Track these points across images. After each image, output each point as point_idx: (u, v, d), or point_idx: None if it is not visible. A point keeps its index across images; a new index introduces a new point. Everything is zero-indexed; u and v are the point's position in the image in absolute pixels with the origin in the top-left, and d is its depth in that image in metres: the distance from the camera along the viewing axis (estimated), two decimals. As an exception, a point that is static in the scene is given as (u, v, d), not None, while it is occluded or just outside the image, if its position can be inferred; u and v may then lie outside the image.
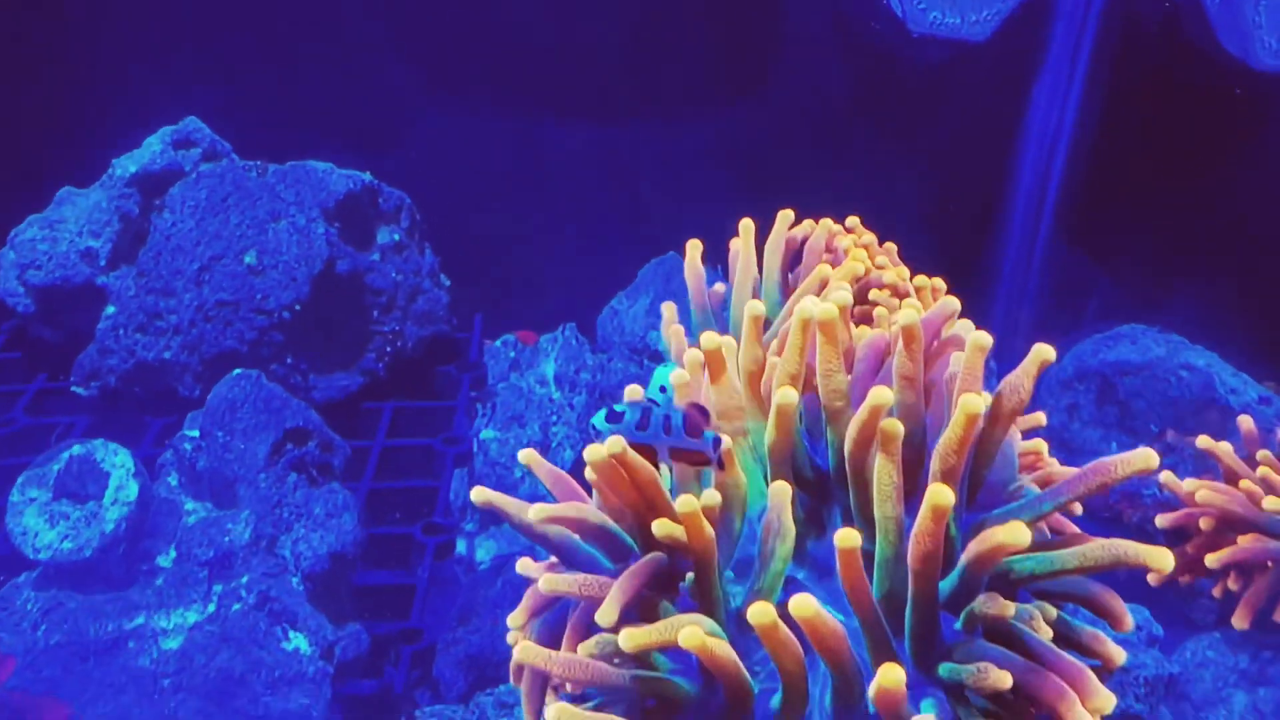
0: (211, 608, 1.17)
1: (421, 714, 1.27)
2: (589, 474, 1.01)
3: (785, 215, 1.61)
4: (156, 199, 1.96)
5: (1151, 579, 1.60)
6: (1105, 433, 2.01)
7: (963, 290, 2.19)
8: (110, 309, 1.85)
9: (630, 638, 0.88)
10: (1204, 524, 1.49)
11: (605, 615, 0.93)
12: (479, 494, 1.05)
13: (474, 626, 1.41)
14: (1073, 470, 1.15)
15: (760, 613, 0.85)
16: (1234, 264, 2.11)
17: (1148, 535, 1.68)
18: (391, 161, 2.23)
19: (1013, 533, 0.89)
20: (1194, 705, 1.42)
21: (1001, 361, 2.13)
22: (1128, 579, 1.70)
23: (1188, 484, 1.55)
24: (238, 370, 1.41)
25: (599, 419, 0.98)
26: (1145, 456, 0.96)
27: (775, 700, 0.95)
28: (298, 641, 1.17)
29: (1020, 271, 2.27)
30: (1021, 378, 1.04)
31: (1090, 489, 1.00)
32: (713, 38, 2.28)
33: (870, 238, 1.66)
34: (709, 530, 0.96)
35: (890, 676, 0.83)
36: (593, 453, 1.00)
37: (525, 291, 2.43)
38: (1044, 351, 1.07)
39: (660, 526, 0.96)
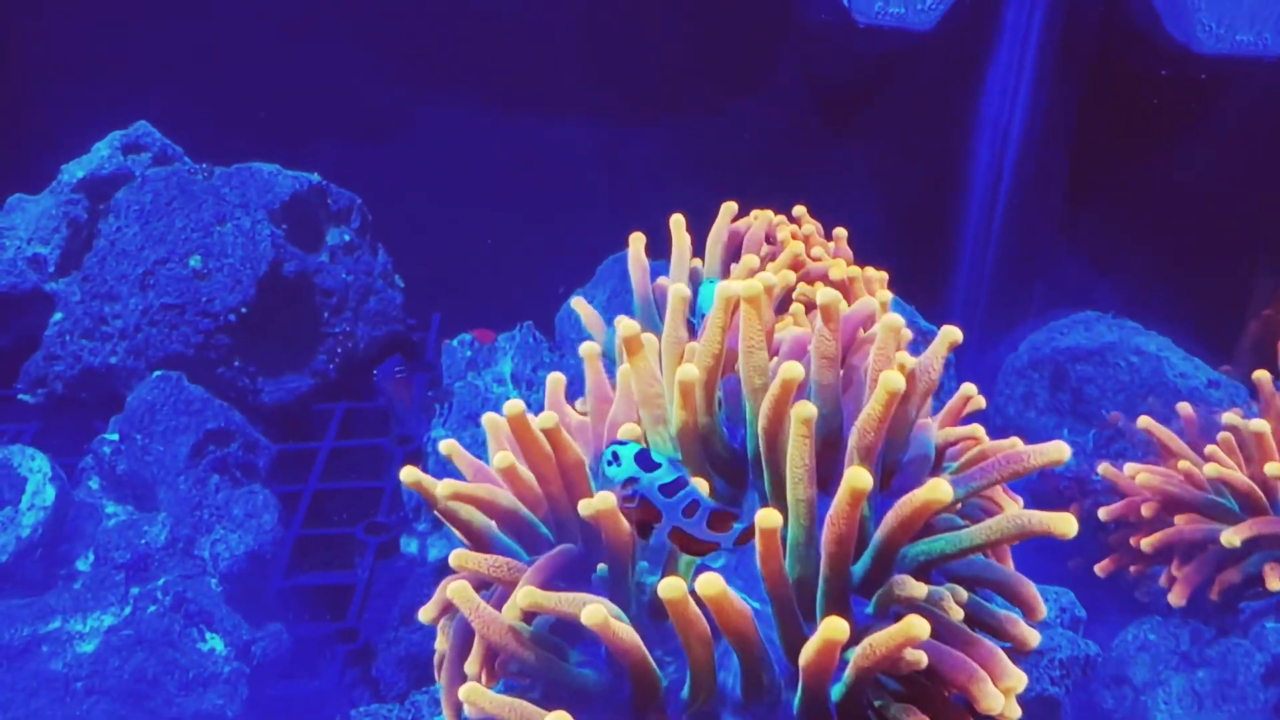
0: (128, 610, 1.17)
1: (357, 713, 1.26)
2: (498, 460, 1.01)
3: (728, 207, 1.61)
4: (104, 204, 1.95)
5: (1100, 569, 1.61)
6: (1059, 419, 2.01)
7: (917, 279, 2.20)
8: (57, 315, 1.85)
9: (529, 595, 0.88)
10: (1146, 510, 1.49)
11: (511, 610, 0.93)
12: (408, 474, 1.05)
13: (415, 626, 1.40)
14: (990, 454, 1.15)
15: (670, 587, 0.85)
16: (1186, 246, 2.11)
17: (1098, 522, 1.68)
18: (347, 163, 2.23)
19: (934, 490, 0.88)
20: (1134, 688, 1.42)
21: (959, 353, 2.14)
22: (1082, 571, 1.70)
23: (1128, 469, 1.55)
24: (157, 373, 1.41)
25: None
26: (1057, 448, 0.97)
27: (685, 691, 0.95)
28: (213, 642, 1.17)
29: (976, 260, 2.27)
30: (931, 359, 1.05)
31: (1003, 476, 1.01)
32: (667, 34, 2.28)
33: (812, 228, 1.67)
34: (626, 526, 0.96)
35: (833, 626, 0.81)
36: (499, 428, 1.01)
37: (484, 290, 2.43)
38: (951, 334, 1.07)
39: (586, 506, 0.96)
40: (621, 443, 0.93)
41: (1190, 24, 1.82)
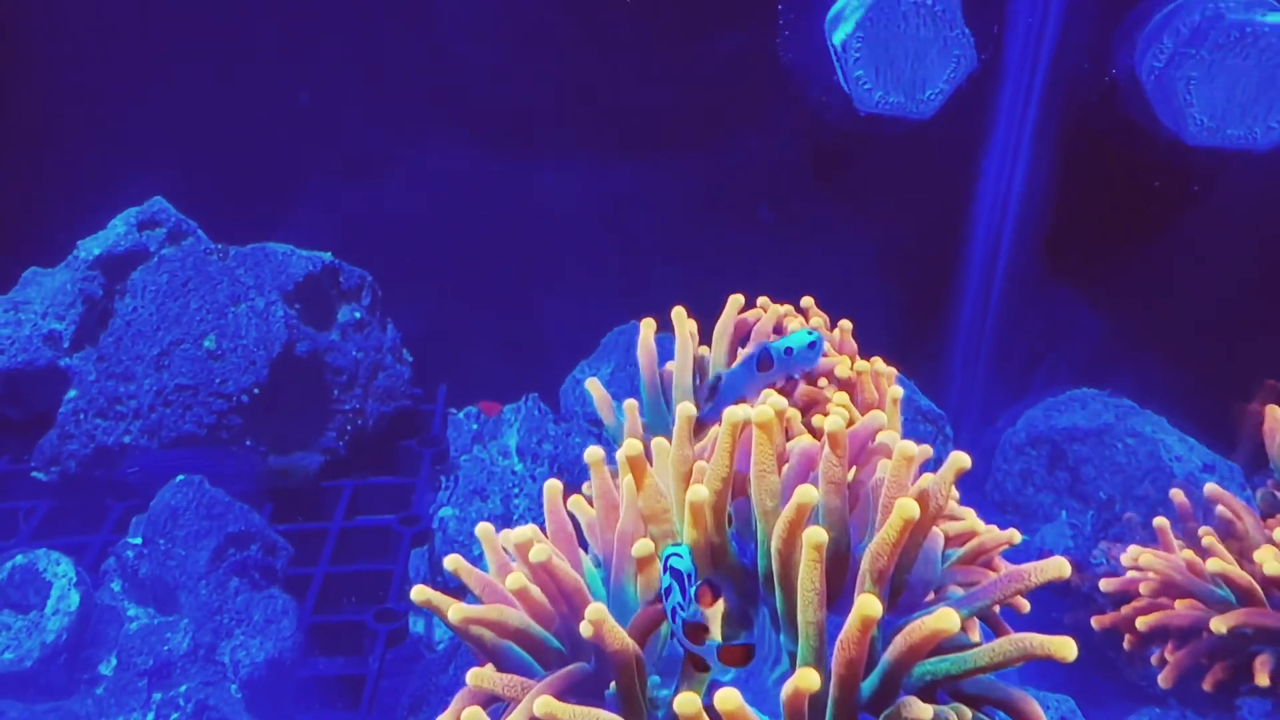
0: (150, 717, 1.19)
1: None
2: (510, 581, 1.03)
3: (735, 300, 1.64)
4: (120, 281, 1.98)
5: (1097, 622, 1.61)
6: (1057, 498, 2.04)
7: (918, 359, 2.24)
8: (72, 393, 1.87)
9: (545, 703, 0.90)
10: (1143, 588, 1.52)
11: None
12: (418, 593, 1.08)
13: (425, 716, 1.42)
14: (992, 575, 1.18)
15: (686, 702, 0.87)
16: (1179, 326, 2.15)
17: (1097, 604, 1.70)
18: (356, 234, 2.26)
19: (943, 619, 0.91)
20: (1136, 781, 1.44)
21: (957, 430, 2.17)
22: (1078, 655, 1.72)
23: (1131, 551, 1.58)
24: (180, 476, 1.43)
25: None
26: (1058, 566, 1.00)
27: (702, 810, 0.97)
28: (235, 750, 1.19)
29: (973, 336, 2.31)
30: (939, 484, 1.08)
31: (1007, 594, 1.04)
32: (670, 111, 2.33)
33: (820, 320, 1.70)
34: (623, 635, 0.98)
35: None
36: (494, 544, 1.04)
37: (490, 360, 2.46)
38: (960, 460, 1.10)
39: (586, 627, 0.99)
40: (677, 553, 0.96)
41: (1182, 117, 1.87)
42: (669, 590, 0.96)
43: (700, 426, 1.19)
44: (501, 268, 2.52)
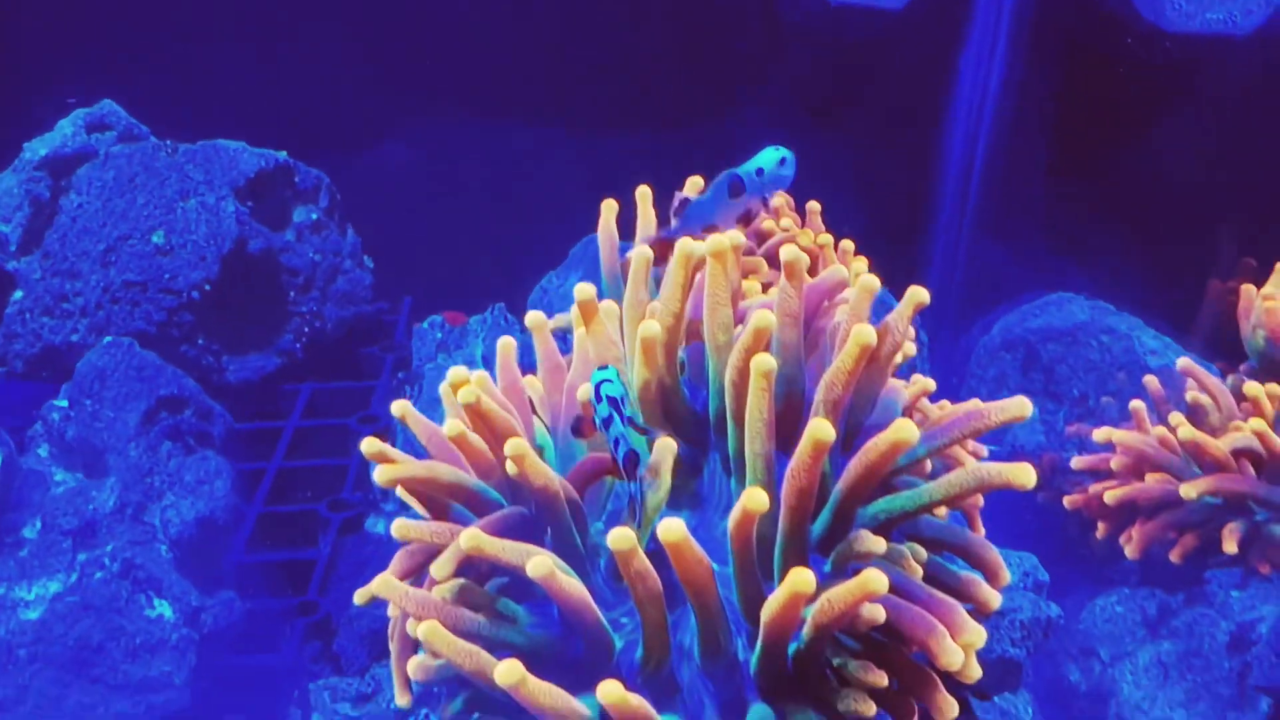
0: (74, 577, 1.15)
1: (316, 686, 1.25)
2: (448, 428, 0.99)
3: (693, 181, 1.60)
4: (67, 182, 1.92)
5: (1069, 501, 1.58)
6: (1031, 400, 2.00)
7: (893, 263, 2.19)
8: (18, 293, 1.82)
9: (473, 537, 0.86)
10: (1115, 463, 1.49)
11: (440, 568, 0.91)
12: (369, 444, 1.04)
13: (378, 601, 1.38)
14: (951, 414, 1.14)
15: (619, 538, 0.83)
16: (1158, 226, 2.12)
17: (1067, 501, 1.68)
18: (318, 145, 2.21)
19: (900, 429, 0.87)
20: (1102, 662, 1.42)
21: (933, 337, 2.14)
22: (1052, 548, 1.70)
23: (1103, 430, 1.55)
24: (108, 339, 1.38)
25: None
26: (1019, 404, 0.97)
27: (639, 652, 0.93)
28: (162, 609, 1.15)
29: (950, 244, 2.27)
30: (898, 318, 1.04)
31: (966, 433, 1.00)
32: (638, 16, 2.28)
33: (782, 200, 1.66)
34: (547, 470, 0.94)
35: (799, 578, 0.80)
36: (451, 397, 0.99)
37: (457, 273, 2.41)
38: (918, 294, 1.06)
39: (510, 465, 0.94)
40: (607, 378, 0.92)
41: (1160, 3, 1.82)
42: (609, 420, 0.92)
43: (663, 249, 1.12)
44: (468, 180, 2.47)
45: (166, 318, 1.74)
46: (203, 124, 2.09)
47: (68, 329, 1.75)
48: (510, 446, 0.91)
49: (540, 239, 2.32)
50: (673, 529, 0.82)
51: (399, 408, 1.05)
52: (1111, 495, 1.42)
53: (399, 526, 0.95)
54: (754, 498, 0.85)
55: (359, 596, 0.97)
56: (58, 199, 1.92)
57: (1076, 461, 1.55)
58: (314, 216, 1.97)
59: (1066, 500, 1.55)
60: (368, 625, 1.39)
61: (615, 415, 0.90)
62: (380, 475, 1.00)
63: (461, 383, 1.00)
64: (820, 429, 0.86)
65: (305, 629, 1.31)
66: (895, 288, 2.11)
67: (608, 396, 0.91)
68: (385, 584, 0.91)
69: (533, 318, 1.15)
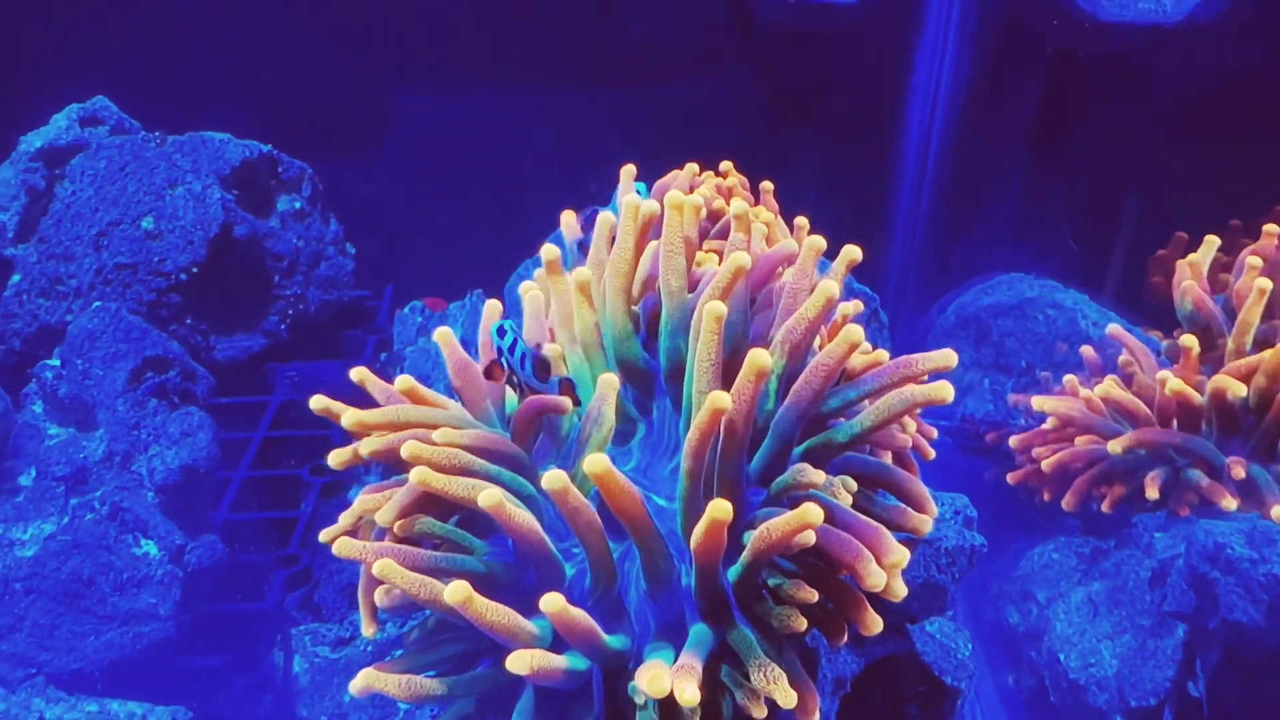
0: (66, 519, 1.24)
1: (298, 631, 1.33)
2: (398, 383, 1.10)
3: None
4: (61, 171, 2.01)
5: (1012, 477, 1.67)
6: (983, 373, 2.10)
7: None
8: (15, 277, 1.90)
9: (419, 473, 0.94)
10: (1048, 424, 1.58)
11: (384, 514, 0.99)
12: (316, 401, 1.12)
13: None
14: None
15: (553, 479, 0.90)
16: (1104, 207, 2.21)
17: (1015, 464, 1.77)
18: (302, 139, 2.29)
19: (850, 333, 0.95)
20: (1038, 604, 1.51)
21: (894, 319, 2.22)
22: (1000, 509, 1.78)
23: (1036, 400, 1.65)
24: (97, 304, 1.47)
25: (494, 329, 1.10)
26: (945, 355, 1.03)
27: (588, 579, 1.01)
28: (148, 547, 1.24)
29: (908, 229, 2.37)
30: (833, 274, 1.12)
31: (895, 379, 1.06)
32: (613, 6, 2.36)
33: (736, 180, 1.75)
34: (486, 431, 1.03)
35: (718, 508, 0.86)
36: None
37: (439, 262, 2.50)
38: (851, 252, 1.15)
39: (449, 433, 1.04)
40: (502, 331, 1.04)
41: (1096, -7, 1.93)
42: (513, 348, 1.03)
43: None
44: (449, 172, 2.55)
45: (156, 298, 1.82)
46: (191, 118, 2.17)
47: (62, 309, 1.84)
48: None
49: (517, 228, 2.41)
50: (597, 462, 0.88)
51: (357, 373, 1.14)
52: (1047, 464, 1.52)
53: (351, 416, 1.03)
54: (717, 398, 0.91)
55: (324, 535, 1.05)
56: (53, 188, 2.01)
57: (1013, 440, 1.64)
58: (297, 205, 2.06)
59: (1009, 476, 1.64)
60: (347, 579, 1.48)
61: (511, 337, 1.02)
62: (348, 420, 1.08)
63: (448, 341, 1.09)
64: (760, 357, 0.93)
65: (286, 580, 1.40)
66: (857, 273, 2.21)
67: (498, 328, 1.03)
68: (342, 545, 0.98)
69: (492, 306, 1.26)
